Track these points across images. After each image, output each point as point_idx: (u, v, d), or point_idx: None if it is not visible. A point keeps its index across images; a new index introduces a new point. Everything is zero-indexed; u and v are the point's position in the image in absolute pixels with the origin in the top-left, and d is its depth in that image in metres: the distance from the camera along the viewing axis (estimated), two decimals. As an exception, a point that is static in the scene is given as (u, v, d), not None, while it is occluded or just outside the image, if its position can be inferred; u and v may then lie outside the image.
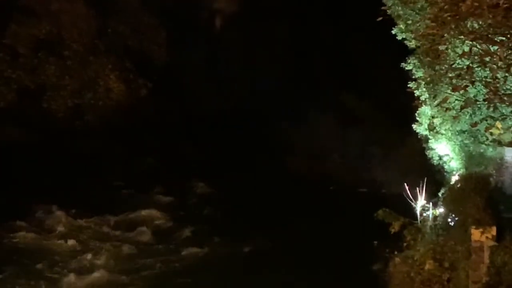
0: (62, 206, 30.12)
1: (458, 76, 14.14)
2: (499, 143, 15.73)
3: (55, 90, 39.98)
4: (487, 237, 15.51)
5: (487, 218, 16.11)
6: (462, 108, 15.37)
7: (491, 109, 14.22)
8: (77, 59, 41.03)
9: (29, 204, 30.18)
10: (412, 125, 21.43)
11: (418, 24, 18.54)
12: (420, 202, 19.53)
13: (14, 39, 39.30)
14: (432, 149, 21.65)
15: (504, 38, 12.68)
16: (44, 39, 40.31)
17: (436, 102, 18.73)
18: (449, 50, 16.24)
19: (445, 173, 21.86)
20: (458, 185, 19.49)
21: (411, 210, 19.31)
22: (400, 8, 19.15)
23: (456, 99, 15.51)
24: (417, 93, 19.89)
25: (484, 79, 13.64)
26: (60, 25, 41.17)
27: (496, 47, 12.67)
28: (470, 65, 13.79)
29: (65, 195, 31.12)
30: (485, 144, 18.99)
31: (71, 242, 26.94)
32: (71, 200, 30.68)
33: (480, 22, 12.96)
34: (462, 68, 14.28)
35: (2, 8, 39.12)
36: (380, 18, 16.00)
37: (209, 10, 48.03)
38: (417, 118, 21.22)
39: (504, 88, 13.01)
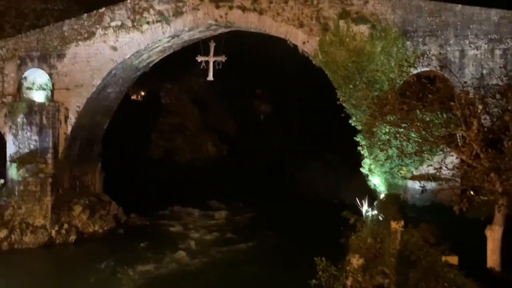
0: (182, 206, 41.05)
1: (383, 144, 18.94)
2: (404, 178, 24.15)
3: (181, 150, 53.90)
4: (399, 226, 18.38)
5: (398, 216, 19.29)
6: (385, 159, 22.54)
7: (400, 161, 21.91)
8: (192, 135, 54.78)
9: (166, 205, 40.29)
10: (360, 169, 26.52)
11: (362, 118, 24.22)
12: (365, 208, 24.00)
13: (161, 126, 53.62)
14: (370, 181, 26.31)
15: (406, 125, 17.33)
16: (176, 125, 54.63)
17: (372, 157, 25.34)
18: (378, 131, 21.20)
19: (377, 193, 25.83)
20: (384, 199, 23.77)
21: (360, 212, 23.79)
22: (353, 110, 25.43)
23: (382, 156, 22.80)
24: (362, 152, 25.97)
25: (396, 145, 17.88)
26: (183, 118, 55.54)
27: (402, 130, 17.21)
28: (389, 138, 18.25)
29: (183, 201, 41.50)
30: (397, 179, 24.80)
31: (185, 225, 36.82)
32: (187, 204, 41.30)
33: (394, 117, 17.59)
34: (385, 140, 18.79)
35: (157, 110, 54.85)
36: (343, 115, 24.98)
37: (257, 111, 65.73)
38: (363, 165, 26.24)
39: (407, 150, 17.51)
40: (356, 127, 25.96)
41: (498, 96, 16.31)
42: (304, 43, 28.41)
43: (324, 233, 24.16)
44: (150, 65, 35.95)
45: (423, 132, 16.79)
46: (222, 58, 33.27)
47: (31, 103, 33.12)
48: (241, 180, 48.27)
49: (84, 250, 31.53)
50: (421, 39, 26.36)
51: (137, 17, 31.68)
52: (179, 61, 39.05)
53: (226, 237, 34.49)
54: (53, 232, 32.26)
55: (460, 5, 25.80)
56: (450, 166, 16.99)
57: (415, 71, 24.56)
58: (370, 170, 26.24)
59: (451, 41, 25.95)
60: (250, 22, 29.49)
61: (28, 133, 32.88)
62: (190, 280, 26.46)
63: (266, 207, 40.69)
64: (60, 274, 28.21)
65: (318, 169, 47.57)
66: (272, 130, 58.50)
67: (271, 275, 26.18)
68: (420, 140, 16.90)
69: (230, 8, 29.61)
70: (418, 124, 16.88)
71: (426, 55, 25.31)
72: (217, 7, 29.89)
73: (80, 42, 32.78)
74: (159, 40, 31.89)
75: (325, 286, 18.18)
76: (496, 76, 21.01)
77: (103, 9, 32.47)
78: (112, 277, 26.60)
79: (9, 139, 33.20)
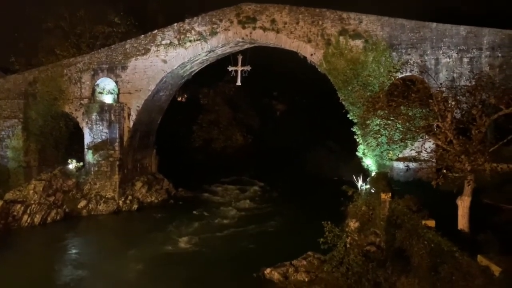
0: (218, 183, 40.68)
1: (374, 133, 19.51)
2: (391, 160, 24.57)
3: (216, 139, 53.66)
4: (387, 197, 18.42)
5: (387, 189, 19.26)
6: (376, 145, 22.22)
7: (388, 146, 22.04)
8: (224, 127, 54.37)
9: (205, 182, 40.07)
10: (356, 153, 26.71)
11: (358, 113, 24.55)
12: (359, 183, 23.89)
13: (200, 121, 53.60)
14: (364, 162, 26.42)
15: (393, 118, 17.02)
16: (212, 120, 54.07)
17: (365, 143, 25.48)
18: (371, 123, 21.63)
19: (369, 172, 25.98)
20: (375, 176, 23.49)
21: (356, 186, 23.49)
22: (351, 107, 25.71)
23: (373, 142, 22.17)
24: (358, 140, 26.03)
25: (385, 134, 18.00)
26: (217, 114, 54.79)
27: (390, 122, 17.26)
28: (379, 128, 18.43)
29: (219, 179, 41.44)
30: (386, 160, 25.05)
31: (221, 197, 36.95)
32: (221, 181, 41.29)
33: (383, 112, 17.53)
34: (376, 130, 19.22)
35: (197, 108, 54.39)
36: (343, 111, 26.16)
37: (274, 109, 64.63)
38: (358, 150, 26.36)
39: (394, 138, 17.46)
40: (353, 120, 25.84)
41: (467, 94, 16.18)
42: (311, 55, 28.27)
43: (328, 203, 23.14)
44: (192, 74, 36.04)
45: (407, 124, 16.82)
46: (248, 68, 33.23)
47: (102, 104, 33.43)
48: (263, 162, 48.52)
49: (144, 215, 31.85)
50: (404, 50, 26.19)
51: (182, 36, 31.72)
52: (214, 71, 38.90)
53: (253, 205, 34.44)
54: (120, 202, 32.67)
55: (435, 23, 25.84)
56: (428, 150, 16.98)
57: (400, 76, 24.59)
58: (364, 153, 26.15)
59: (428, 52, 25.76)
60: (269, 39, 29.41)
61: (100, 127, 33.20)
62: (228, 237, 26.71)
63: (282, 183, 40.47)
64: (127, 232, 28.83)
65: (322, 154, 47.13)
66: (286, 124, 58.00)
67: (289, 233, 26.30)
68: (405, 130, 16.92)
69: (254, 28, 29.51)
70: (403, 117, 16.79)
71: (408, 63, 25.32)
72: (244, 28, 29.83)
73: (138, 57, 32.96)
74: (199, 54, 31.90)
75: (330, 243, 18.10)
76: (465, 79, 21.12)
77: (156, 31, 32.57)
78: (166, 235, 26.87)
79: (86, 131, 33.56)
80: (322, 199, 30.32)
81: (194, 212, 31.51)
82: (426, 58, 25.75)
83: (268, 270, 20.08)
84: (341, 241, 18.15)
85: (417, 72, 25.45)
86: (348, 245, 18.24)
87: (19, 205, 28.70)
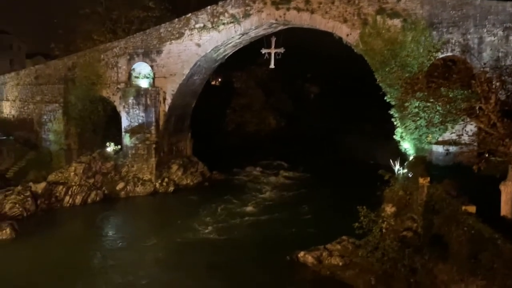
0: (251, 166, 40.60)
1: (413, 116, 19.53)
2: (430, 143, 23.43)
3: (249, 123, 54.24)
4: (425, 181, 17.81)
5: (425, 173, 18.56)
6: (415, 128, 21.98)
7: (427, 129, 21.28)
8: (257, 111, 54.81)
9: (238, 165, 40.12)
10: (393, 136, 25.60)
11: (396, 95, 23.58)
12: (396, 167, 23.31)
13: (233, 105, 53.54)
14: (401, 146, 25.35)
15: (433, 100, 16.66)
16: (245, 103, 54.37)
17: (403, 127, 24.51)
18: (409, 105, 20.47)
19: (407, 156, 24.95)
20: (413, 161, 23.06)
21: (393, 171, 22.90)
22: (388, 89, 24.93)
23: (412, 125, 22.05)
24: (395, 123, 25.09)
25: (424, 117, 18.19)
26: (250, 98, 54.90)
27: (429, 104, 17.13)
28: (418, 111, 18.58)
29: (252, 162, 41.32)
30: (424, 144, 23.88)
31: (254, 179, 37.39)
32: (254, 164, 41.01)
33: (423, 94, 17.49)
34: (415, 113, 19.13)
35: (230, 92, 54.26)
36: (381, 93, 25.37)
37: (308, 91, 63.46)
38: (395, 133, 25.36)
39: (433, 121, 17.58)
40: (390, 102, 25.19)
41: (513, 74, 15.52)
42: (347, 35, 27.57)
43: (363, 187, 22.55)
44: (226, 57, 35.92)
45: (447, 106, 16.70)
46: (281, 50, 32.76)
47: (138, 88, 33.96)
48: (296, 146, 47.93)
49: (180, 197, 32.45)
50: (445, 29, 25.08)
51: (215, 19, 31.66)
52: (247, 54, 38.07)
53: (287, 189, 34.29)
54: (157, 184, 33.44)
55: (479, 0, 24.24)
56: (470, 133, 16.51)
57: (440, 56, 23.64)
58: (401, 137, 25.40)
59: (471, 30, 24.57)
60: (303, 20, 28.85)
61: (137, 111, 33.85)
62: (261, 220, 26.85)
63: (316, 166, 40.20)
64: (162, 213, 29.73)
65: (357, 137, 45.75)
66: (320, 106, 57.24)
67: (323, 218, 26.25)
68: (445, 112, 16.81)
69: (288, 9, 28.98)
70: (443, 99, 16.65)
71: (449, 42, 24.24)
72: (277, 9, 29.33)
73: (173, 41, 33.21)
74: (232, 37, 31.76)
75: (365, 228, 17.98)
76: (511, 58, 19.99)
77: (189, 14, 32.64)
78: (200, 217, 27.42)
79: (123, 115, 34.31)
80: (357, 184, 29.92)
81: (228, 195, 31.74)
82: (469, 37, 24.50)
83: (301, 253, 20.22)
84: (376, 226, 18.04)
85: (459, 51, 24.30)
86: (384, 230, 17.99)
87: (61, 187, 29.97)
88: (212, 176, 37.38)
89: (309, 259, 19.74)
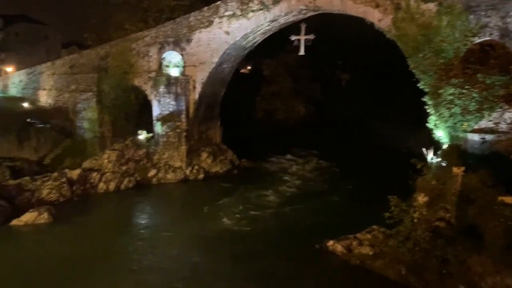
0: (280, 154, 40.89)
1: (448, 103, 19.12)
2: (465, 131, 21.26)
3: (278, 111, 52.98)
4: (460, 171, 17.46)
5: (459, 162, 18.11)
6: (449, 116, 20.66)
7: (462, 117, 19.95)
8: (286, 99, 53.56)
9: (268, 152, 40.47)
10: (426, 124, 23.29)
11: (429, 81, 22.39)
12: (429, 156, 22.04)
13: (263, 92, 53.07)
14: (435, 134, 23.33)
15: (469, 86, 17.44)
16: (274, 91, 53.22)
17: (437, 114, 22.35)
18: (443, 92, 20.31)
19: (440, 144, 23.17)
20: (447, 149, 21.83)
21: (425, 159, 21.62)
22: (422, 75, 23.12)
23: (446, 113, 20.86)
24: (428, 110, 22.87)
25: (459, 104, 18.04)
26: (280, 86, 53.31)
27: (465, 91, 17.20)
28: (453, 98, 18.49)
29: (281, 150, 41.69)
30: (459, 132, 21.74)
31: (283, 168, 37.25)
32: (284, 152, 41.38)
33: (458, 80, 17.63)
34: (449, 100, 18.87)
35: (259, 80, 53.33)
36: (414, 80, 23.75)
37: (339, 78, 62.21)
38: (428, 121, 23.09)
39: (469, 108, 17.64)
40: (424, 89, 23.75)
41: (556, 59, 14.68)
42: (379, 20, 26.75)
43: (395, 176, 21.66)
44: (255, 45, 35.59)
45: (484, 93, 15.98)
46: (311, 37, 32.17)
47: (169, 77, 34.26)
48: (326, 133, 47.89)
49: (209, 184, 32.79)
50: (484, 13, 23.58)
51: (244, 7, 31.46)
52: (277, 41, 37.55)
53: (316, 177, 34.28)
54: (187, 172, 33.88)
55: (520, -20, 22.96)
56: (508, 121, 16.09)
57: (477, 40, 22.36)
58: (435, 125, 23.38)
59: (511, 13, 23.19)
60: (334, 5, 28.21)
61: (168, 99, 34.22)
62: (289, 209, 26.82)
63: (346, 154, 40.05)
64: (193, 200, 30.13)
65: (388, 124, 45.15)
66: (350, 93, 56.47)
67: (353, 207, 26.03)
68: (481, 99, 16.18)
69: (318, -5, 28.47)
70: (480, 85, 16.05)
71: (488, 26, 22.69)
72: (307, -5, 28.87)
73: (202, 29, 33.31)
74: (261, 24, 31.45)
75: (396, 218, 17.69)
76: None
77: (219, 2, 32.56)
78: (229, 205, 27.66)
79: (154, 104, 34.73)
80: (388, 172, 29.52)
81: (257, 183, 31.80)
82: (509, 20, 23.12)
83: (331, 242, 20.18)
84: (408, 215, 17.69)
85: (498, 36, 22.89)
86: (415, 220, 17.66)
87: (95, 173, 30.85)
88: (241, 164, 37.45)
89: (339, 248, 19.69)
